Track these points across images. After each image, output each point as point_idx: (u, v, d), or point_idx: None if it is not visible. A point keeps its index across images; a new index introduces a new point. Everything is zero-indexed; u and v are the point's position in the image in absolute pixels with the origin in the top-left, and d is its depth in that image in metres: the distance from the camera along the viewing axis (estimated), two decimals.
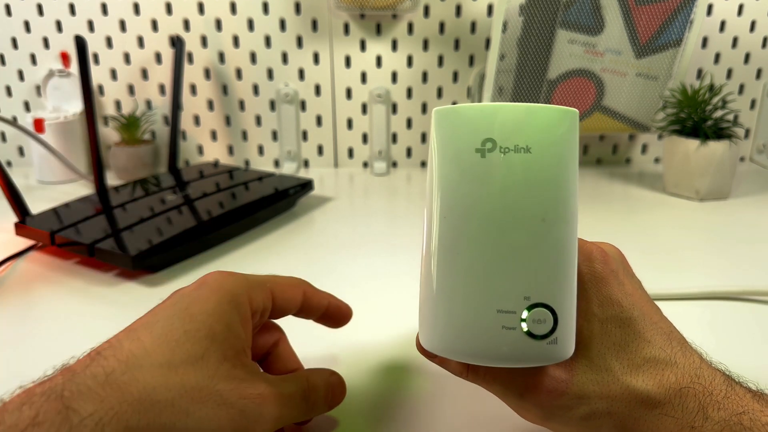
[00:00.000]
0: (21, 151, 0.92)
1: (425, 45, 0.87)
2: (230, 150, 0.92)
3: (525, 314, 0.24)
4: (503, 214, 0.24)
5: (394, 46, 0.87)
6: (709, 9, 0.86)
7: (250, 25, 0.86)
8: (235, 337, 0.26)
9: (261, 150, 0.92)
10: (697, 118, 0.73)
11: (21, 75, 0.88)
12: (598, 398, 0.25)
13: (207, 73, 0.88)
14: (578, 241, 0.27)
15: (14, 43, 0.86)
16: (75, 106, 0.88)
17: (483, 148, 0.24)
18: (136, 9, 0.85)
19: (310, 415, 0.30)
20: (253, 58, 0.87)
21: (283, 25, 0.86)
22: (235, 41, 0.86)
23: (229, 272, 0.28)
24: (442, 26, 0.86)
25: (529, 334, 0.24)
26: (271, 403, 0.26)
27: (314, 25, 0.85)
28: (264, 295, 0.29)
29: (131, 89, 0.89)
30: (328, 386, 0.31)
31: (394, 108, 0.90)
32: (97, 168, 0.72)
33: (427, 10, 0.85)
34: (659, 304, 0.29)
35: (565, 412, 0.26)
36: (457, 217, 0.25)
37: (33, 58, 0.87)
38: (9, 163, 0.92)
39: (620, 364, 0.26)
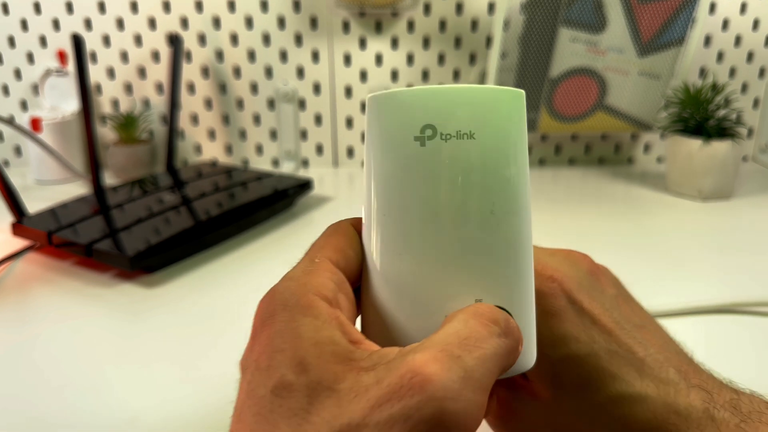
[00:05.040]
0: (18, 151, 0.91)
1: (426, 43, 0.86)
2: (229, 149, 0.91)
3: None
4: (448, 208, 0.21)
5: (394, 44, 0.86)
6: (712, 7, 0.85)
7: (249, 23, 0.85)
8: (329, 343, 0.19)
9: (260, 149, 0.91)
10: (700, 117, 0.73)
11: (18, 74, 0.87)
12: None
13: (205, 72, 0.87)
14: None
15: (11, 42, 0.86)
16: (72, 105, 0.87)
17: (422, 136, 0.22)
18: (134, 7, 0.84)
19: (513, 343, 0.20)
20: (251, 56, 0.86)
21: (282, 22, 0.85)
22: (234, 39, 0.86)
23: (268, 292, 0.21)
24: (442, 24, 0.85)
25: None
26: (435, 368, 0.17)
27: (313, 22, 0.85)
28: (325, 274, 0.22)
29: (129, 88, 0.88)
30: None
31: None
32: (95, 167, 0.71)
33: (427, 8, 0.84)
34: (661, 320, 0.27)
35: None
36: (398, 213, 0.22)
37: (30, 57, 0.86)
38: (6, 163, 0.91)
39: (579, 405, 0.24)
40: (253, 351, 0.20)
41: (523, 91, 0.23)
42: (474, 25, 0.85)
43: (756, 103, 0.91)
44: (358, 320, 0.25)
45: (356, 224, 0.25)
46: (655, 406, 0.23)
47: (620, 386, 0.23)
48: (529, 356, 0.23)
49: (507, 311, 0.22)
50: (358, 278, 0.24)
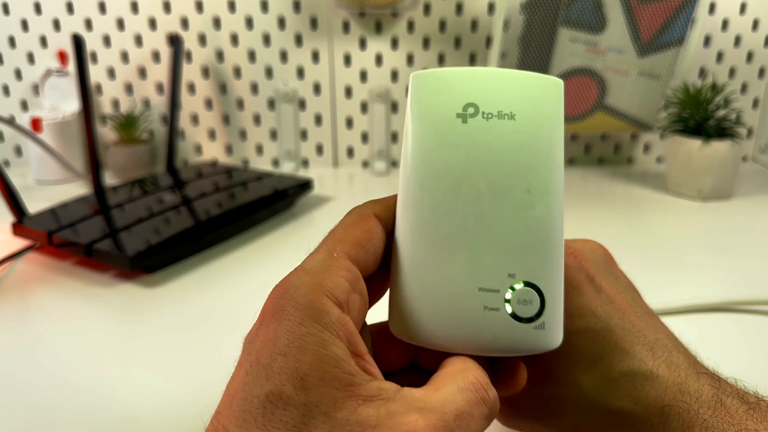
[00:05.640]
0: (18, 151, 0.91)
1: (426, 43, 0.86)
2: (229, 149, 0.91)
3: (509, 294, 0.22)
4: (485, 183, 0.22)
5: (394, 44, 0.86)
6: (712, 7, 0.85)
7: (249, 23, 0.85)
8: (333, 364, 0.19)
9: (260, 149, 0.91)
10: (700, 117, 0.73)
11: (18, 74, 0.87)
12: (561, 410, 0.24)
13: (205, 72, 0.87)
14: None
15: (11, 42, 0.86)
16: (73, 105, 0.87)
17: (464, 113, 0.23)
18: (134, 7, 0.84)
19: (490, 423, 0.22)
20: (251, 56, 0.87)
21: (282, 23, 0.85)
22: (234, 40, 0.86)
23: (282, 282, 0.21)
24: (442, 24, 0.85)
25: (513, 316, 0.22)
26: None
27: (313, 23, 0.85)
28: (340, 272, 0.21)
29: (129, 88, 0.88)
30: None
31: (394, 107, 0.89)
32: (95, 167, 0.71)
33: (427, 8, 0.84)
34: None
35: (526, 418, 0.26)
36: (436, 185, 0.23)
37: (30, 57, 0.87)
38: (6, 163, 0.91)
39: (591, 378, 0.24)
40: (258, 336, 0.20)
41: (562, 81, 0.24)
42: (474, 25, 0.85)
43: (755, 103, 0.91)
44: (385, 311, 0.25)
45: (380, 213, 0.24)
46: (666, 385, 0.23)
47: (633, 363, 0.24)
48: (556, 335, 0.23)
49: (538, 287, 0.22)
50: (374, 269, 0.24)
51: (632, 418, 0.23)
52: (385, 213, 0.24)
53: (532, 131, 0.23)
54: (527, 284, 0.22)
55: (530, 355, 0.23)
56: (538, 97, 0.23)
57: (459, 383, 0.20)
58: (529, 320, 0.22)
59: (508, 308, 0.22)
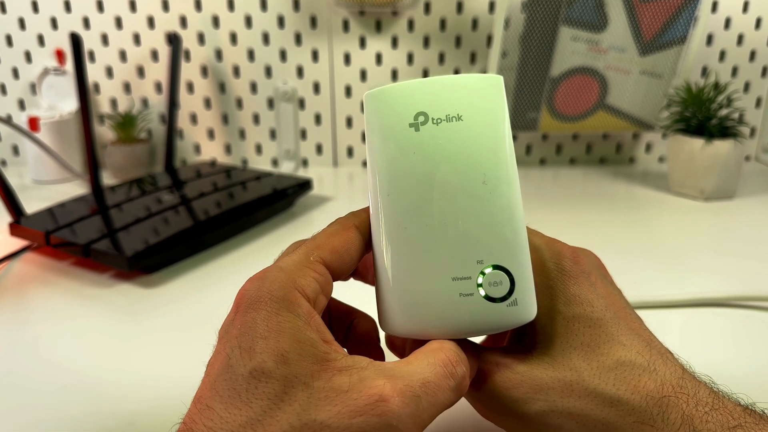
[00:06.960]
0: (15, 150, 0.91)
1: (426, 42, 0.86)
2: (228, 149, 0.91)
3: (480, 279, 0.24)
4: (444, 183, 0.24)
5: (394, 43, 0.86)
6: (714, 6, 0.85)
7: (248, 22, 0.85)
8: (309, 345, 0.21)
9: (259, 149, 0.91)
10: (702, 116, 0.72)
11: (16, 73, 0.87)
12: (557, 395, 0.24)
13: (204, 71, 0.87)
14: (550, 241, 0.27)
15: (9, 41, 0.85)
16: (70, 104, 0.87)
17: (416, 122, 0.25)
18: (132, 6, 0.84)
19: (460, 396, 0.24)
20: (251, 55, 0.86)
21: (281, 22, 0.85)
22: (233, 38, 0.85)
23: (258, 276, 0.24)
24: (443, 23, 0.85)
25: (487, 298, 0.24)
26: (398, 400, 0.21)
27: (313, 22, 0.84)
28: (313, 274, 0.24)
29: (127, 87, 0.88)
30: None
31: None
32: (93, 167, 0.71)
33: (427, 7, 0.84)
34: (657, 311, 0.28)
35: (519, 405, 0.24)
36: (400, 192, 0.25)
37: (28, 56, 0.86)
38: (3, 162, 0.91)
39: (588, 365, 0.24)
40: (234, 325, 0.22)
41: (501, 77, 0.26)
42: (474, 24, 0.85)
43: (758, 102, 0.91)
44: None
45: (359, 225, 0.26)
46: (664, 378, 0.24)
47: (629, 354, 0.24)
48: (529, 309, 0.25)
49: (506, 268, 0.24)
50: (348, 276, 0.26)
51: (630, 407, 0.23)
52: (363, 225, 0.26)
53: (478, 128, 0.25)
54: (496, 267, 0.24)
55: (508, 329, 0.25)
56: (480, 96, 0.25)
57: (430, 359, 0.23)
58: (502, 299, 0.24)
59: (482, 291, 0.24)
